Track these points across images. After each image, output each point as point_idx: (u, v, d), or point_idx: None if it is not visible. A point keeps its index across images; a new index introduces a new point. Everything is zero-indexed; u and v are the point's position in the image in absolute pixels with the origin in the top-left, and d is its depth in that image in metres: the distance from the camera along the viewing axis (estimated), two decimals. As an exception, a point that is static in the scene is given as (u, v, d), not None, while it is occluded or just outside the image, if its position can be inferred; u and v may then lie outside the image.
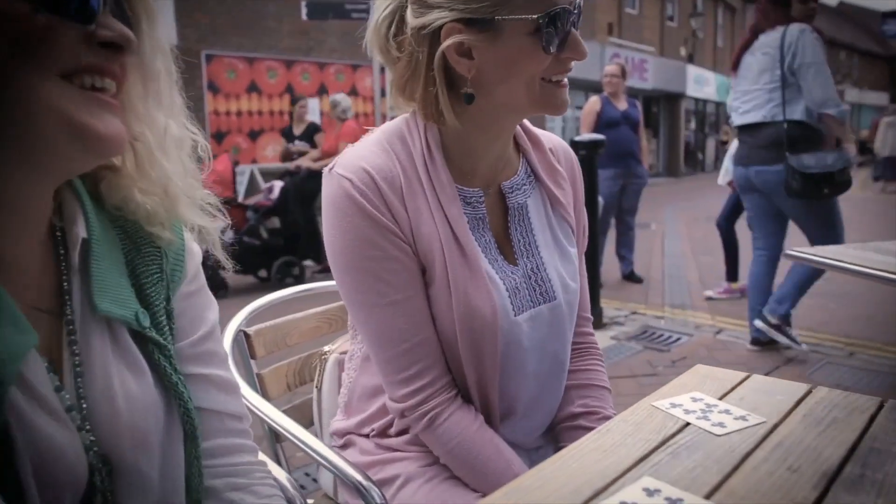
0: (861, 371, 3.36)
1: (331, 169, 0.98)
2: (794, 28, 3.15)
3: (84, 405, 0.62)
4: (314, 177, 5.84)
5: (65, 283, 0.65)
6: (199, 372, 0.75)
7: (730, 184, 3.64)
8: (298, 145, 6.45)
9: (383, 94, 11.82)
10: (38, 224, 0.64)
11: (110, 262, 0.67)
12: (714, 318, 4.42)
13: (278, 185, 5.84)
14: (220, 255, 0.78)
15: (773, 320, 3.50)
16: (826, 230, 3.22)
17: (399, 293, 0.96)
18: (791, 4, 3.21)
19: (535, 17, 0.88)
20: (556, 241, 1.09)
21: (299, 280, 5.66)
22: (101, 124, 0.58)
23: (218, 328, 0.80)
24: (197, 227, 0.74)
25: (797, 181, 3.10)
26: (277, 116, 11.21)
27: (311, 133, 6.49)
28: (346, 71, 11.95)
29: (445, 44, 0.90)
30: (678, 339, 3.97)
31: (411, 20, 0.92)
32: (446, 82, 0.94)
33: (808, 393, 0.87)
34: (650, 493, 0.62)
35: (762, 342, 3.59)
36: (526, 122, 1.11)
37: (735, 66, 3.45)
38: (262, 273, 5.67)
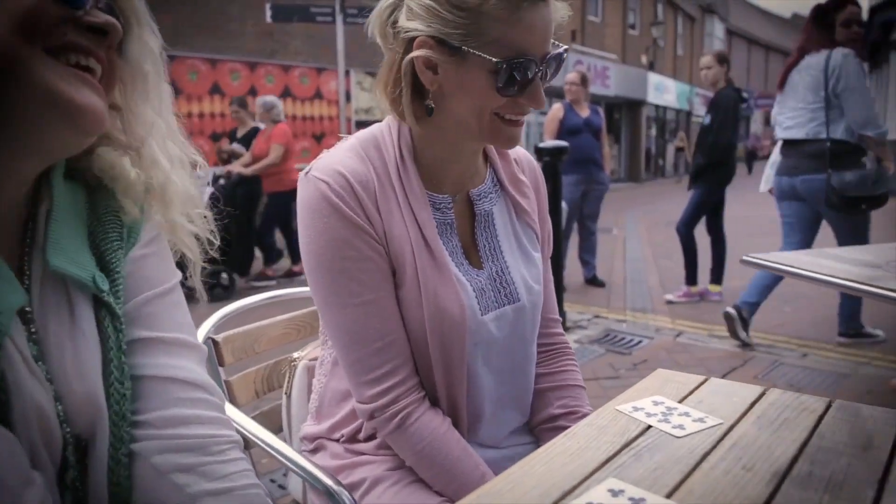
0: (813, 371, 3.48)
1: (307, 173, 1.01)
2: (838, 53, 3.38)
3: (48, 376, 0.62)
4: (245, 183, 5.68)
5: (26, 258, 0.65)
6: (145, 335, 0.71)
7: (771, 191, 4.01)
8: (235, 147, 6.19)
9: (348, 98, 11.80)
10: (14, 206, 0.64)
11: (71, 230, 0.67)
12: (674, 322, 4.53)
13: (208, 191, 5.59)
14: (198, 285, 0.78)
15: (743, 314, 3.78)
16: (856, 237, 3.46)
17: (372, 293, 0.99)
18: (835, 29, 3.45)
19: (496, 60, 0.91)
20: (520, 247, 1.13)
21: (228, 292, 5.34)
22: (82, 96, 0.59)
23: (177, 293, 0.77)
24: (180, 250, 0.76)
25: (836, 198, 3.37)
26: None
27: (250, 137, 6.16)
28: (310, 74, 11.88)
29: (414, 54, 0.95)
30: (639, 342, 4.05)
31: (401, 20, 0.96)
32: (413, 88, 0.99)
33: (762, 395, 0.91)
34: (615, 493, 0.65)
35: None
36: None
37: (782, 83, 3.69)
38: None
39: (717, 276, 5.08)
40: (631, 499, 0.64)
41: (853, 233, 3.49)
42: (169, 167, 0.72)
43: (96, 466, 0.64)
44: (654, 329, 4.36)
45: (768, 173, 3.99)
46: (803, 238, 3.73)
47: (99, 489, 0.65)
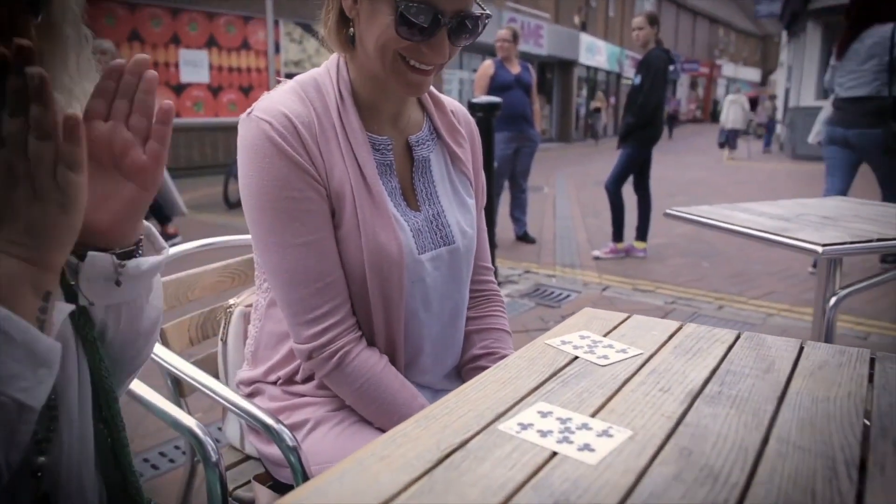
0: (729, 322, 3.70)
1: (249, 113, 1.00)
2: None
3: None
4: None
5: None
6: None
7: (819, 143, 4.68)
8: None
9: (277, 49, 11.40)
10: None
11: None
12: (601, 277, 4.69)
13: None
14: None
15: None
16: None
17: (313, 234, 1.00)
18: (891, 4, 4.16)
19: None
20: (455, 193, 1.16)
21: None
22: None
23: None
24: None
25: (894, 142, 4.06)
26: (163, 68, 10.56)
27: None
28: (236, 23, 11.40)
29: None
30: (568, 295, 4.19)
31: None
32: (339, 16, 1.02)
33: (679, 329, 0.98)
34: (544, 414, 0.70)
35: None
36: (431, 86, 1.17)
37: (841, 52, 4.28)
38: None
39: (642, 233, 5.27)
40: (559, 418, 0.69)
41: None
42: None
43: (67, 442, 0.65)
44: (581, 284, 4.51)
45: (818, 129, 4.71)
46: (842, 179, 4.40)
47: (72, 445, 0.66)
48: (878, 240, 1.67)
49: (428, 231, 1.10)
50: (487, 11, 0.99)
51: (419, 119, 1.15)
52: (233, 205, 7.65)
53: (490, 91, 5.20)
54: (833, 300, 1.82)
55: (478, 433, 0.65)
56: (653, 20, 4.93)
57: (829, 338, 1.84)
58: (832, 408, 0.73)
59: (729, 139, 16.00)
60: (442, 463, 0.59)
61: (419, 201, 1.11)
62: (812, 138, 4.89)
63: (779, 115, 20.67)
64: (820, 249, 1.59)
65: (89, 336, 0.69)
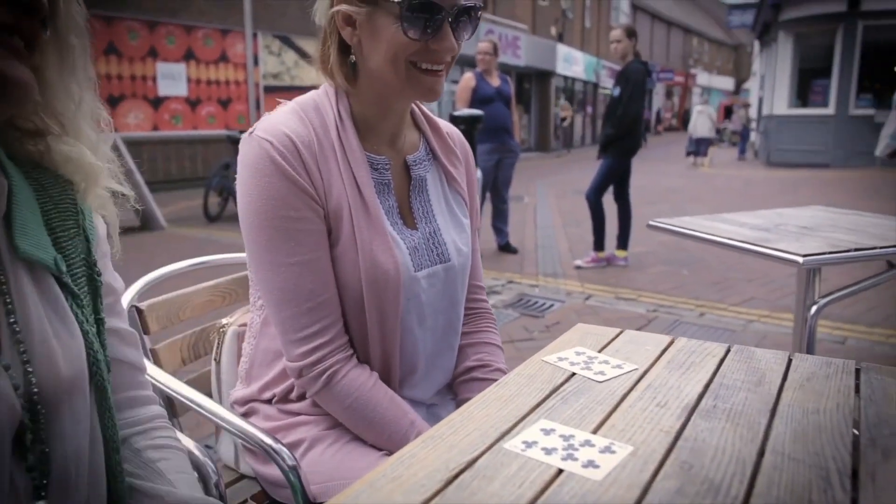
0: (710, 328, 3.75)
1: (251, 133, 1.02)
2: None
3: (23, 349, 0.63)
4: None
5: None
6: (110, 325, 0.77)
7: (889, 155, 4.81)
8: None
9: (256, 61, 11.39)
10: None
11: (30, 211, 0.68)
12: (583, 286, 4.74)
13: None
14: (117, 244, 0.81)
15: None
16: None
17: (307, 253, 1.01)
18: None
19: (399, 1, 0.96)
20: (450, 212, 1.19)
21: None
22: (12, 69, 0.60)
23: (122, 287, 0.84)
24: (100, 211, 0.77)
25: None
26: (140, 81, 10.49)
27: None
28: (214, 35, 11.35)
29: (334, 9, 1.00)
30: (551, 305, 4.23)
31: None
32: (339, 47, 1.04)
33: (671, 343, 1.01)
34: (547, 432, 0.71)
35: None
36: (425, 108, 1.21)
37: None
38: None
39: (623, 241, 5.34)
40: (562, 436, 0.70)
41: None
42: (96, 139, 0.74)
43: (59, 432, 0.65)
44: (564, 293, 4.55)
45: (887, 143, 4.81)
46: None
47: (77, 455, 0.66)
48: (856, 249, 1.72)
49: (424, 249, 1.12)
50: (479, 3, 1.03)
51: (416, 140, 1.17)
52: (213, 218, 7.60)
53: (472, 104, 5.25)
54: (814, 309, 1.87)
55: (484, 452, 0.67)
56: (630, 33, 5.02)
57: (810, 345, 1.89)
58: (822, 419, 0.75)
59: (699, 148, 16.45)
60: (452, 483, 0.60)
61: (416, 219, 1.13)
62: (879, 151, 5.02)
63: (753, 123, 21.04)
64: (801, 260, 1.63)
65: (100, 382, 0.70)
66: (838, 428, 0.73)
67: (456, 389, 1.24)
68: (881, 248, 1.75)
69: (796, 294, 2.12)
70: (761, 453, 0.67)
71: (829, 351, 3.34)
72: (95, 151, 0.73)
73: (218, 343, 1.31)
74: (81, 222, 0.74)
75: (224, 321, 1.33)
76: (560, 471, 0.63)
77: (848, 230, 1.98)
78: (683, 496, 0.59)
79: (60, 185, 0.72)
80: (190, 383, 1.35)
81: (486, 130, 5.05)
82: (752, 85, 27.13)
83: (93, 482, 0.69)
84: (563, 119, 22.52)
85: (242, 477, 1.25)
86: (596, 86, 28.01)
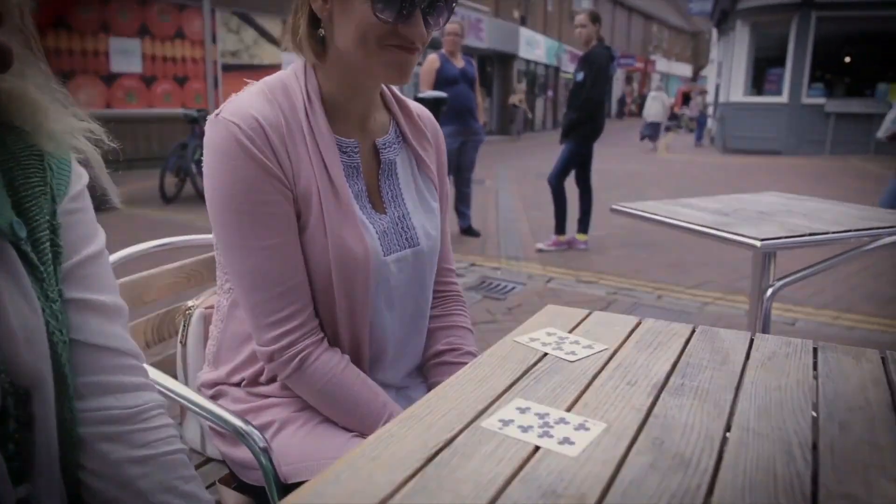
0: (667, 311, 3.85)
1: (217, 115, 1.00)
2: None
3: None
4: None
5: None
6: (79, 297, 0.70)
7: (888, 138, 4.97)
8: None
9: (214, 39, 11.10)
10: None
11: None
12: (545, 268, 4.80)
13: None
14: (107, 183, 0.75)
15: None
16: None
17: (277, 237, 1.00)
18: None
19: None
20: (419, 196, 1.18)
21: None
22: None
23: (106, 254, 0.76)
24: (80, 152, 0.71)
25: None
26: (92, 57, 10.13)
27: None
28: (170, 11, 11.01)
29: None
30: (513, 288, 4.27)
31: None
32: (309, 20, 1.02)
33: (638, 324, 1.04)
34: (522, 410, 0.73)
35: None
36: (395, 90, 1.19)
37: None
38: None
39: (583, 225, 5.41)
40: (537, 413, 0.72)
41: None
42: (42, 77, 0.69)
43: (43, 416, 0.63)
44: (526, 276, 4.60)
45: (888, 126, 5.00)
46: None
47: (47, 442, 0.64)
48: (811, 234, 1.78)
49: (393, 233, 1.12)
50: None
51: (385, 122, 1.16)
52: (169, 199, 7.43)
53: (436, 85, 5.22)
54: (770, 291, 1.93)
55: (462, 431, 0.68)
56: (595, 18, 5.05)
57: (765, 326, 1.95)
58: (784, 396, 0.78)
59: (652, 132, 16.99)
60: (432, 461, 0.61)
61: (385, 203, 1.13)
62: (882, 133, 5.14)
63: (710, 110, 21.44)
64: (758, 244, 1.68)
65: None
66: (798, 404, 0.76)
67: (427, 373, 1.24)
68: (834, 232, 1.82)
69: (752, 277, 2.18)
70: (727, 428, 0.70)
71: (782, 332, 3.45)
72: (41, 88, 0.67)
73: (184, 325, 1.30)
74: (49, 179, 0.68)
75: (190, 303, 1.31)
76: (537, 448, 0.64)
77: (802, 215, 2.04)
78: (656, 470, 0.61)
79: (23, 139, 0.67)
80: (155, 366, 1.33)
81: (449, 113, 5.05)
82: (709, 72, 27.61)
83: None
84: (515, 105, 22.43)
85: (209, 460, 1.24)
86: (557, 70, 28.14)
